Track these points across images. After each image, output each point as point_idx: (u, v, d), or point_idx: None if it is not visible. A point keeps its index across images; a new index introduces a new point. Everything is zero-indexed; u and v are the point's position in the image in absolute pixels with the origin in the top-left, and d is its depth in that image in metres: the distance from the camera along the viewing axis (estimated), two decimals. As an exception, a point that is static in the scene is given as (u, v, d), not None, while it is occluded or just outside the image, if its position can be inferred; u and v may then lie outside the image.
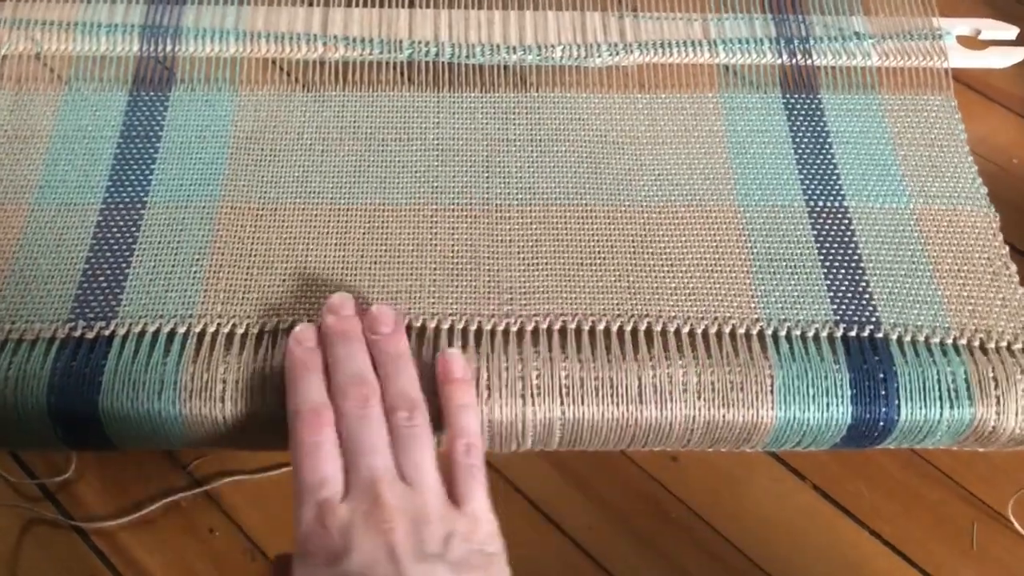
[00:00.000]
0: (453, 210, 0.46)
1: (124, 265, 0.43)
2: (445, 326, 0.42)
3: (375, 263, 0.44)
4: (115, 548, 0.48)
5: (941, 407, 0.41)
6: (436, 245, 0.45)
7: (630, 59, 0.52)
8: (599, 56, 0.52)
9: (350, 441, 0.37)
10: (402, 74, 0.51)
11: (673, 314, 0.43)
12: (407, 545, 0.34)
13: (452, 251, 0.45)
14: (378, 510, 0.35)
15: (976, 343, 0.42)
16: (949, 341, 0.42)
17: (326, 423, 0.37)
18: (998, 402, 0.41)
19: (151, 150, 0.48)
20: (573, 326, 0.42)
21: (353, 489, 0.36)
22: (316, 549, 0.35)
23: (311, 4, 0.53)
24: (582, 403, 0.40)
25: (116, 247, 0.44)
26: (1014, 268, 0.45)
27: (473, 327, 0.42)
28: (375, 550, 0.34)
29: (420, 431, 0.37)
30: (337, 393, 0.38)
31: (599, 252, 0.45)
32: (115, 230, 0.45)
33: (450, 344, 0.41)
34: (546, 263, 0.44)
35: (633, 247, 0.45)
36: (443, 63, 0.51)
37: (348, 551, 0.34)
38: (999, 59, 0.55)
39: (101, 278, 0.43)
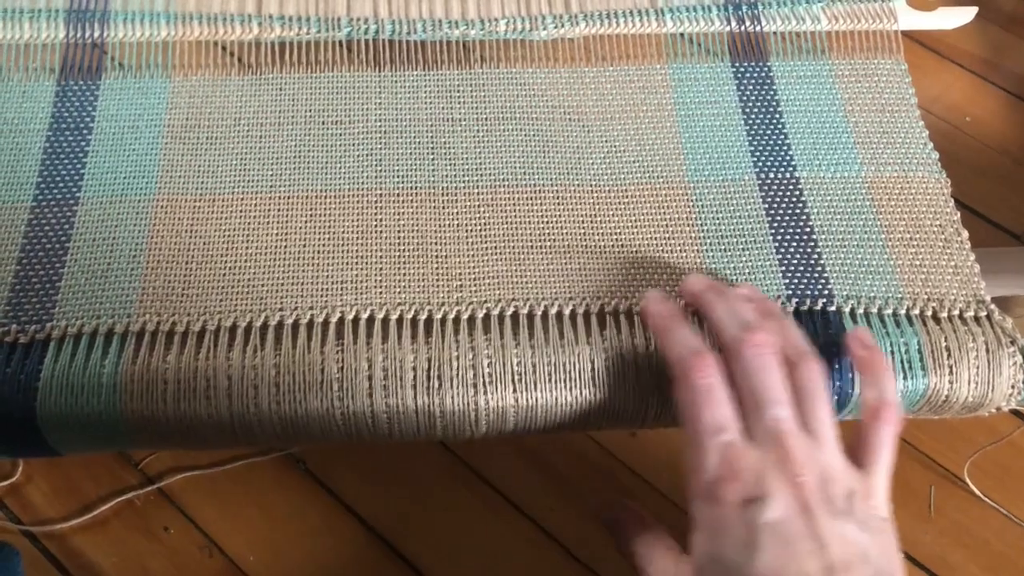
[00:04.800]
0: (398, 195, 0.45)
1: (58, 265, 0.42)
2: (394, 316, 0.41)
3: (318, 253, 0.43)
4: (67, 551, 0.47)
5: (895, 379, 0.41)
6: (381, 232, 0.44)
7: (576, 31, 0.51)
8: (544, 28, 0.50)
9: (751, 389, 0.36)
10: (341, 53, 0.49)
11: (626, 295, 0.42)
12: (818, 499, 0.34)
13: (398, 238, 0.43)
14: (789, 461, 0.34)
15: (929, 312, 0.42)
16: (902, 311, 0.42)
17: (713, 365, 0.37)
18: (951, 371, 0.41)
19: (82, 143, 0.46)
20: (525, 311, 0.42)
21: (757, 437, 0.35)
22: (728, 493, 0.34)
23: (245, -18, 0.51)
24: (535, 389, 0.40)
25: (49, 247, 0.42)
26: (966, 235, 0.44)
27: (423, 316, 0.41)
28: (789, 501, 0.34)
29: (821, 386, 0.37)
30: (729, 342, 0.37)
31: (549, 234, 0.44)
32: (47, 229, 0.43)
33: (399, 335, 0.40)
34: (495, 247, 0.43)
35: (583, 228, 0.44)
36: (384, 40, 0.50)
37: (764, 498, 0.34)
38: (949, 19, 0.54)
39: (34, 280, 0.41)
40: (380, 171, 0.46)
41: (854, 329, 0.40)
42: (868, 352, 0.39)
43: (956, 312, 0.42)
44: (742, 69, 0.50)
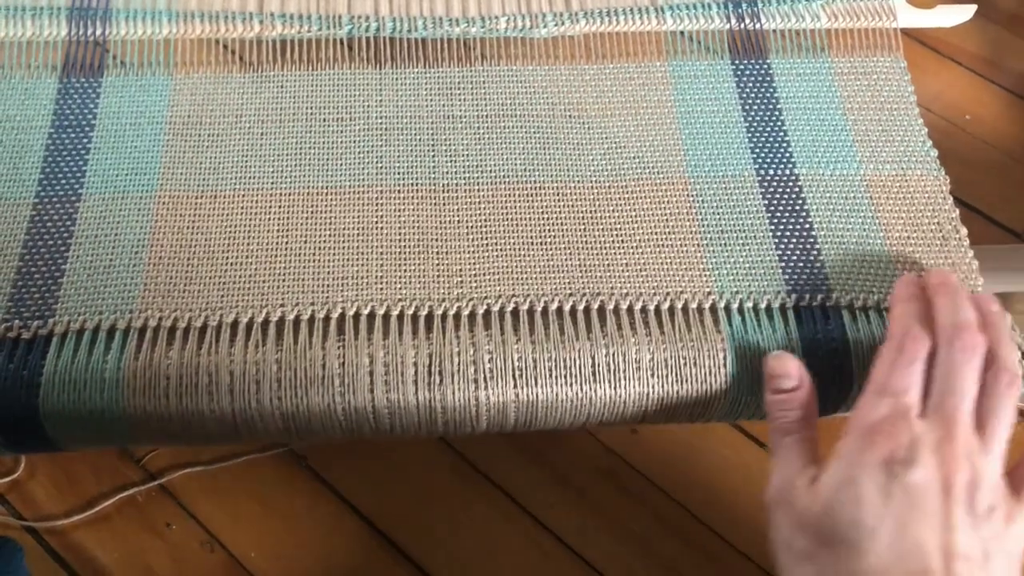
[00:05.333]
0: (399, 191, 0.45)
1: (60, 261, 0.42)
2: (394, 312, 0.41)
3: (319, 249, 0.43)
4: (69, 547, 0.47)
5: None
6: (382, 228, 0.44)
7: (576, 28, 0.51)
8: (544, 26, 0.51)
9: (944, 377, 0.37)
10: (342, 51, 0.50)
11: (625, 291, 0.42)
12: (962, 492, 0.35)
13: (399, 234, 0.44)
14: (950, 446, 0.35)
15: (927, 308, 0.42)
16: (901, 308, 0.42)
17: (928, 344, 0.38)
18: (950, 367, 0.41)
19: (84, 140, 0.46)
20: (525, 307, 0.42)
21: (931, 415, 0.36)
22: (880, 441, 0.35)
23: (246, -20, 0.51)
24: (535, 385, 0.40)
25: (51, 243, 0.43)
26: (964, 232, 0.45)
27: (423, 312, 0.41)
28: (934, 478, 0.34)
29: (1010, 403, 0.37)
30: (942, 330, 0.38)
31: (549, 230, 0.44)
32: (49, 225, 0.43)
33: (399, 331, 0.41)
34: (495, 243, 0.44)
35: (583, 224, 0.44)
36: (384, 38, 0.50)
37: (910, 463, 0.35)
38: (948, 17, 0.54)
39: (37, 276, 0.42)
40: (381, 168, 0.46)
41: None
42: None
43: (955, 308, 0.42)
44: (742, 66, 0.50)
